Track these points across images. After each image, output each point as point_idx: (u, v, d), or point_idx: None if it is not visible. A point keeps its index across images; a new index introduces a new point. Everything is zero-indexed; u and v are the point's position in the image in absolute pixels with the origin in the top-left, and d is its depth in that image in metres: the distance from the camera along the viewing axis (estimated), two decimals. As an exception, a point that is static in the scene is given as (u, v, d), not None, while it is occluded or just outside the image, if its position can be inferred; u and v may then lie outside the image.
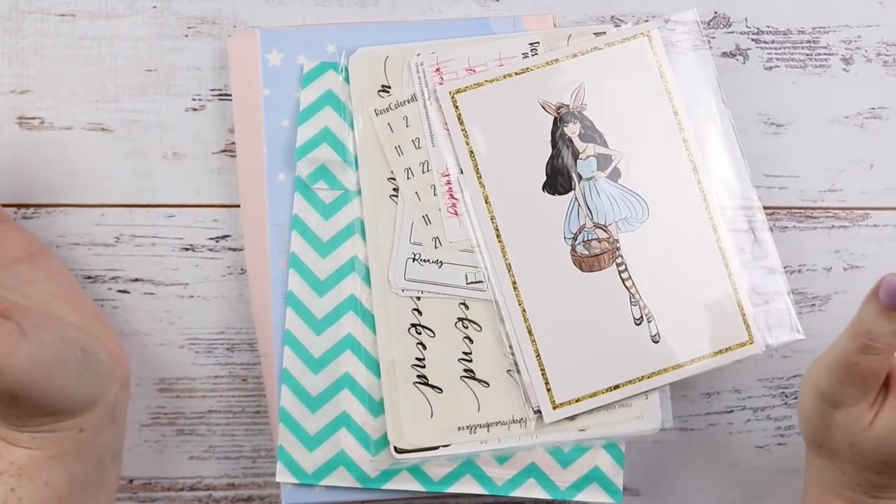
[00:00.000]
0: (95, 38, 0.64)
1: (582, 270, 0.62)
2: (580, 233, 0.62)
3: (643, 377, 0.61)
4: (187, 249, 0.65)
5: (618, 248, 0.62)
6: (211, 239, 0.65)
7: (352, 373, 0.62)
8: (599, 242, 0.62)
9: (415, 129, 0.62)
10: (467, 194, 0.62)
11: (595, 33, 0.63)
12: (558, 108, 0.62)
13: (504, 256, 0.61)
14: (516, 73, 0.62)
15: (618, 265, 0.62)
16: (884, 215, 0.66)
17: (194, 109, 0.65)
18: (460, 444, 0.61)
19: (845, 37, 0.66)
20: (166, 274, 0.64)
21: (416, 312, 0.62)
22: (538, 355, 0.61)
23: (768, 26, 0.66)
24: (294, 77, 0.63)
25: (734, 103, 0.65)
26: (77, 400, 0.54)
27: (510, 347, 0.61)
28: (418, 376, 0.61)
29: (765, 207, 0.64)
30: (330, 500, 0.62)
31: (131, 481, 0.65)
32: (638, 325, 0.61)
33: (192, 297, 0.65)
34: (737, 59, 0.66)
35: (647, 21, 0.64)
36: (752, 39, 0.66)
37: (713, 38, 0.66)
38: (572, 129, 0.62)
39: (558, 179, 0.62)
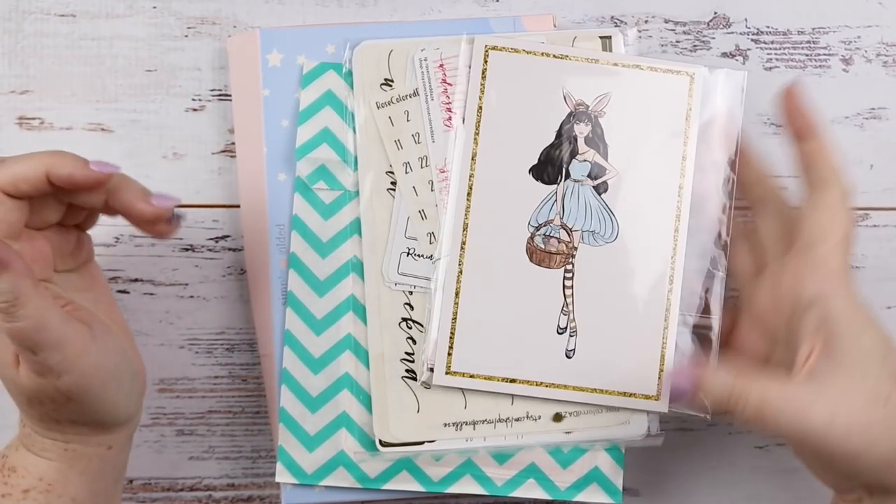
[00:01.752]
0: (95, 38, 0.64)
1: (531, 261, 0.61)
2: (545, 226, 0.61)
3: (542, 383, 0.61)
4: (187, 249, 0.65)
5: (573, 256, 0.61)
6: (211, 239, 0.65)
7: (352, 373, 0.62)
8: (558, 242, 0.61)
9: (415, 124, 0.62)
10: (458, 145, 0.61)
11: (601, 37, 0.63)
12: (577, 104, 0.62)
13: (465, 216, 0.61)
14: (555, 56, 0.62)
15: (566, 271, 0.61)
16: (884, 215, 0.66)
17: (194, 109, 0.65)
18: (446, 440, 0.61)
19: (845, 37, 0.66)
20: (166, 274, 0.64)
21: (407, 307, 0.62)
22: (455, 318, 0.60)
23: (768, 27, 0.66)
24: (294, 77, 0.63)
25: (734, 103, 0.65)
26: (119, 415, 0.54)
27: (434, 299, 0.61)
28: (406, 370, 0.61)
29: (765, 207, 0.63)
30: (330, 501, 0.62)
31: (131, 481, 0.65)
32: (560, 334, 0.61)
33: (192, 297, 0.65)
34: (737, 60, 0.66)
35: (692, 58, 0.64)
36: (752, 40, 0.66)
37: (713, 38, 0.66)
38: (581, 130, 0.62)
39: (548, 168, 0.62)
